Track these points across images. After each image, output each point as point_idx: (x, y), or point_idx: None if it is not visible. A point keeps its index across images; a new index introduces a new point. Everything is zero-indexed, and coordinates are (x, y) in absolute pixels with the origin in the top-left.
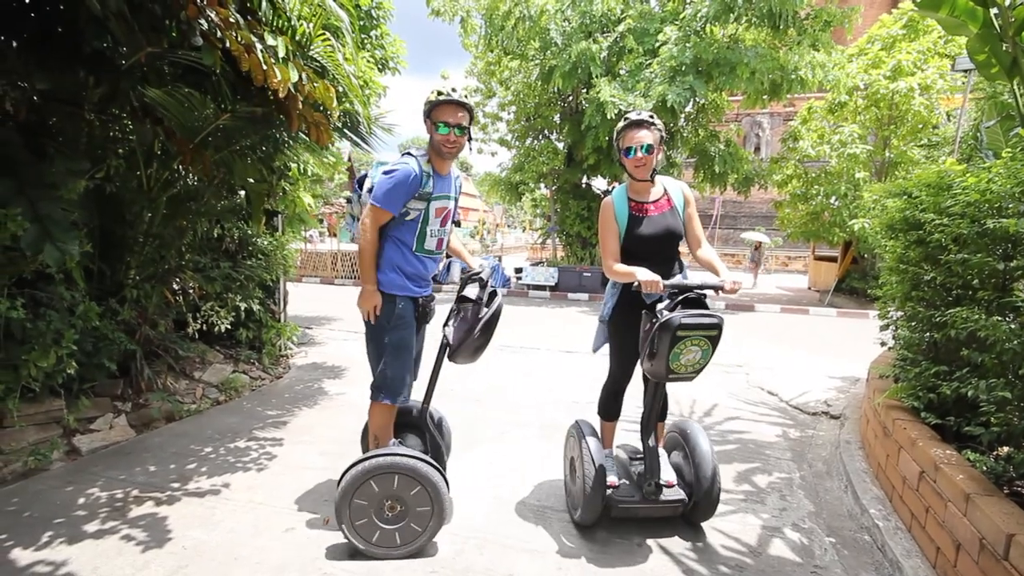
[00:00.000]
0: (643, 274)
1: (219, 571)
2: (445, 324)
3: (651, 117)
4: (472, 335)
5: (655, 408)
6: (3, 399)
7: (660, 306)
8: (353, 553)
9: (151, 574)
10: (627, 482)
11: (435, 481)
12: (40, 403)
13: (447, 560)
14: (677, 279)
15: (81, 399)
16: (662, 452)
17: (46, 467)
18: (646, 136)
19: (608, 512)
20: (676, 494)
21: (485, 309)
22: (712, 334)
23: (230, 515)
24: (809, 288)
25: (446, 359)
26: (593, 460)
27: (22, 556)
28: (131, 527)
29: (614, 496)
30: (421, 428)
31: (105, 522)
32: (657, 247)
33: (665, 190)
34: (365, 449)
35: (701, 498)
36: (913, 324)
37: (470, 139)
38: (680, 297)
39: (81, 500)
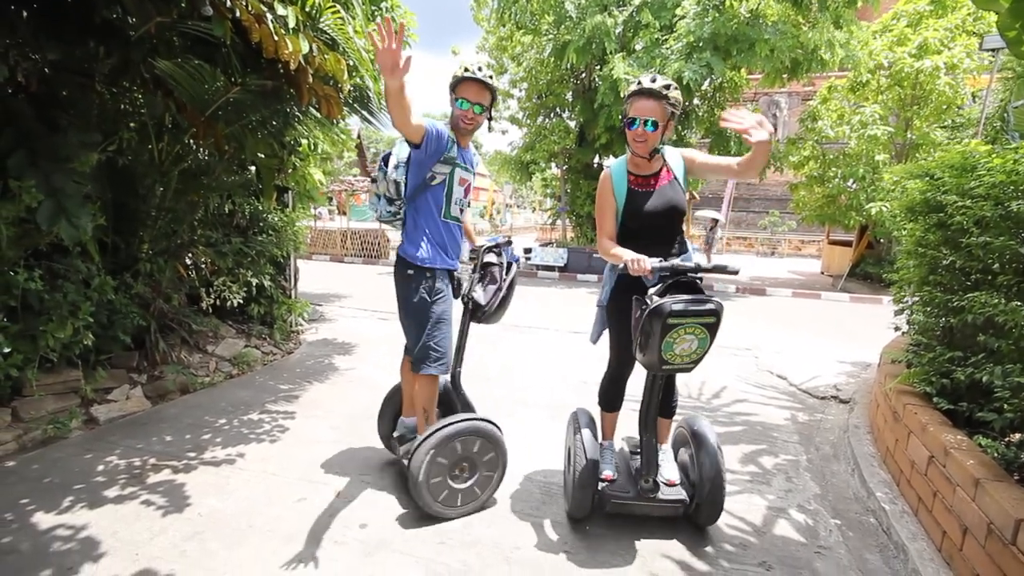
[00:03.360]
0: (630, 255)
1: (234, 538)
2: (469, 291)
3: (666, 88)
4: (500, 292)
5: (653, 402)
6: (22, 369)
7: (651, 291)
8: (364, 523)
9: (168, 539)
10: (625, 476)
11: (499, 438)
12: (58, 373)
13: (456, 532)
14: (671, 262)
15: (98, 370)
16: (668, 449)
17: (65, 435)
18: (653, 110)
19: (602, 507)
20: (676, 494)
21: (506, 275)
22: (708, 321)
23: (244, 484)
24: (822, 273)
25: (475, 323)
26: (585, 453)
27: (44, 520)
28: (149, 494)
29: (608, 490)
30: (448, 396)
31: (124, 488)
32: (658, 224)
33: (664, 161)
34: (385, 423)
35: (703, 500)
36: (929, 309)
37: (490, 119)
38: (670, 281)
39: (100, 467)
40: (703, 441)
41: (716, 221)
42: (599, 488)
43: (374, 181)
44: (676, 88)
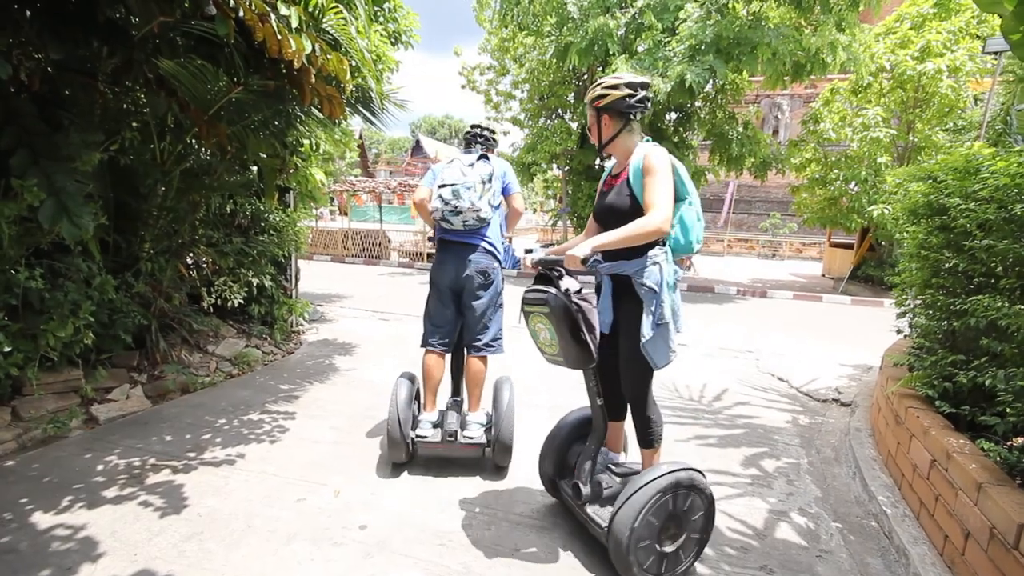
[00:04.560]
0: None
1: (233, 538)
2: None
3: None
4: None
5: (592, 402)
6: (22, 368)
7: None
8: (363, 525)
9: (167, 539)
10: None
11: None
12: (58, 372)
13: (456, 534)
14: (536, 255)
15: (98, 369)
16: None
17: (65, 435)
18: (589, 117)
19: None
20: (600, 517)
21: None
22: (543, 311)
23: (243, 485)
24: (823, 275)
25: None
26: (550, 436)
27: (43, 519)
28: (148, 494)
29: (563, 484)
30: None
31: (123, 488)
32: (605, 224)
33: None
34: (407, 427)
35: (609, 541)
36: (931, 312)
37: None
38: (541, 272)
39: (99, 467)
40: (631, 484)
41: None
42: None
43: (485, 181)
44: (599, 87)
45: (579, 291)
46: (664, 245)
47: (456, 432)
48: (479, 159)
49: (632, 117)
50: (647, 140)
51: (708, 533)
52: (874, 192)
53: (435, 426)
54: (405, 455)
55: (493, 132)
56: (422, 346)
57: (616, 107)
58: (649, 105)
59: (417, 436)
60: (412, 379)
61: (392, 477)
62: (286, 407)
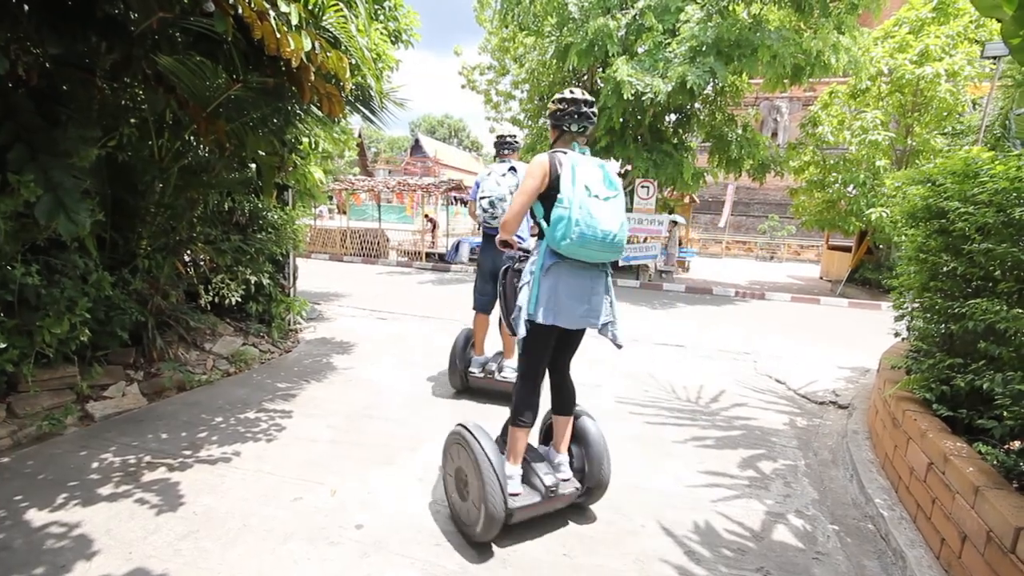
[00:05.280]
0: None
1: (229, 537)
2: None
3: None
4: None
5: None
6: (18, 364)
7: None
8: (360, 524)
9: (163, 538)
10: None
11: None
12: (54, 369)
13: (453, 534)
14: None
15: (94, 366)
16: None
17: (60, 432)
18: None
19: None
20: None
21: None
22: None
23: (240, 483)
24: (821, 278)
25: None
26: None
27: (37, 517)
28: (144, 491)
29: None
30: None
31: (118, 486)
32: None
33: None
34: (462, 363)
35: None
36: (929, 315)
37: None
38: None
39: (95, 464)
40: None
41: (675, 223)
42: None
43: (513, 191)
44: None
45: (519, 261)
46: (543, 239)
47: (494, 372)
48: (509, 169)
49: (564, 128)
50: (578, 149)
51: (486, 505)
52: (872, 195)
53: (482, 367)
54: (460, 383)
55: (515, 137)
56: (473, 308)
57: (550, 118)
58: (578, 117)
59: (468, 371)
60: (470, 332)
61: (389, 477)
62: (283, 406)
